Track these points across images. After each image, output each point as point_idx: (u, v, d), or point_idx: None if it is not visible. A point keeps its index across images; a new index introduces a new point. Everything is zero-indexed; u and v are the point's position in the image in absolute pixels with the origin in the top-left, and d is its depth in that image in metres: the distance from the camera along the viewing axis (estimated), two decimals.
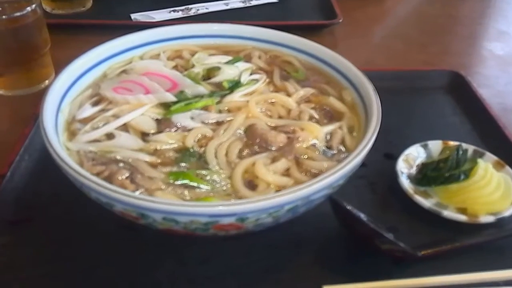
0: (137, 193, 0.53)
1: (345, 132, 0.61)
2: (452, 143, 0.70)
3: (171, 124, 0.60)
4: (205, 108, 0.63)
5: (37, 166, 0.73)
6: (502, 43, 1.22)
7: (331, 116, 0.65)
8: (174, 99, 0.62)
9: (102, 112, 0.62)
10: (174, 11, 1.23)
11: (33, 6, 0.87)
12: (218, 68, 0.70)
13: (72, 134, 0.59)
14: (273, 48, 0.80)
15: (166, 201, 0.48)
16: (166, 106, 0.62)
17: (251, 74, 0.70)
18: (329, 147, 0.59)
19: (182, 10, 1.24)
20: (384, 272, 0.55)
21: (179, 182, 0.53)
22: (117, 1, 1.24)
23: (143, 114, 0.61)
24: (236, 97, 0.66)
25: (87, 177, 0.50)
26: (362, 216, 0.61)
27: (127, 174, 0.53)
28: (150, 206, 0.48)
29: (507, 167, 0.67)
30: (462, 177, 0.64)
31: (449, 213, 0.62)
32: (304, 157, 0.57)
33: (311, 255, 0.57)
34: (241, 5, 1.26)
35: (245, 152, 0.58)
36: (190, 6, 1.24)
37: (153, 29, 0.79)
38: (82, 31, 1.10)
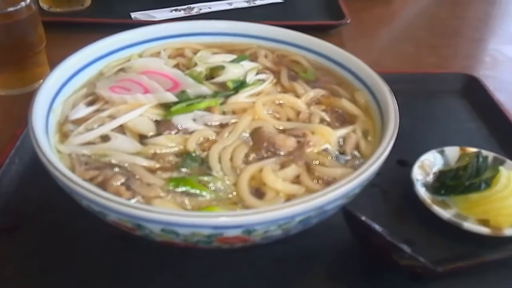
0: (133, 201, 0.48)
1: (359, 137, 0.56)
2: (470, 149, 0.65)
3: (172, 126, 0.56)
4: (208, 109, 0.59)
5: (28, 170, 0.68)
6: None
7: (343, 119, 0.60)
8: (175, 99, 0.59)
9: (97, 112, 0.59)
10: (176, 10, 1.19)
11: (28, 1, 0.83)
12: (222, 67, 0.66)
13: (64, 136, 0.56)
14: (280, 47, 0.75)
15: (165, 211, 0.43)
16: (166, 106, 0.59)
17: (257, 74, 0.66)
18: (342, 153, 0.54)
19: (184, 9, 1.20)
20: None
21: (179, 190, 0.49)
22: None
23: (141, 115, 0.57)
24: (242, 98, 0.62)
25: (77, 182, 0.46)
26: (378, 227, 0.56)
27: (122, 180, 0.48)
28: (147, 216, 0.44)
29: None
30: (483, 186, 0.59)
31: (470, 225, 0.57)
32: (316, 163, 0.53)
33: (322, 270, 0.53)
34: (245, 4, 1.22)
35: (252, 157, 0.54)
36: (192, 6, 1.20)
37: (153, 25, 0.74)
38: (79, 30, 1.05)
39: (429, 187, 0.65)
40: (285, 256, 0.54)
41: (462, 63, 1.08)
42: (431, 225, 0.60)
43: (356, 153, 0.56)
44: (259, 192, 0.50)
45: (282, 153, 0.54)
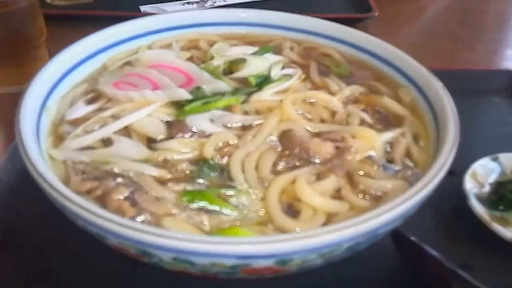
0: (138, 221, 0.39)
1: (409, 141, 0.47)
2: None
3: (185, 127, 0.49)
4: (228, 109, 0.51)
5: (22, 178, 0.59)
6: None
7: (387, 120, 0.52)
8: (189, 96, 0.51)
9: (98, 111, 0.51)
10: (188, 3, 1.11)
11: None
12: (243, 61, 0.58)
13: (59, 139, 0.48)
14: (308, 38, 0.67)
15: (177, 235, 0.34)
16: (179, 105, 0.51)
17: (282, 69, 0.58)
18: (390, 161, 0.47)
19: (197, 2, 1.11)
20: None
21: (195, 205, 0.42)
22: None
23: (150, 114, 0.50)
24: (266, 95, 0.54)
25: (69, 197, 0.37)
26: (434, 252, 0.46)
27: (126, 193, 0.41)
28: (155, 242, 0.35)
29: None
30: None
31: None
32: (360, 173, 0.45)
33: None
34: None
35: (281, 165, 0.47)
36: None
37: (164, 14, 0.65)
38: (84, 24, 0.95)
39: (484, 200, 0.56)
40: (321, 285, 0.45)
41: (503, 59, 0.97)
42: (490, 246, 0.52)
43: (407, 161, 0.46)
44: (292, 209, 0.42)
45: (317, 161, 0.46)
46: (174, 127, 0.49)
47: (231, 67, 0.59)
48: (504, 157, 0.62)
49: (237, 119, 0.50)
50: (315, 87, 0.57)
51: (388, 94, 0.56)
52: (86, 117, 0.50)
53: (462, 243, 0.53)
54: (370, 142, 0.47)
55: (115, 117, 0.49)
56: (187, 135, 0.48)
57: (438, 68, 0.82)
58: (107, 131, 0.48)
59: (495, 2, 1.27)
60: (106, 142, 0.47)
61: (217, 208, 0.41)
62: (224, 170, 0.45)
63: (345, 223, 0.36)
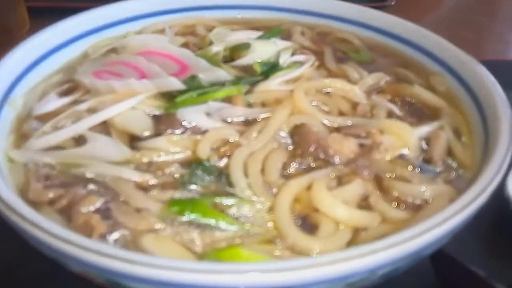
0: (110, 241, 0.30)
1: (450, 137, 0.37)
2: None
3: (176, 122, 0.42)
4: (228, 101, 0.45)
5: None
6: None
7: (420, 112, 0.45)
8: (182, 86, 0.44)
9: (73, 105, 0.44)
10: None
11: None
12: (247, 46, 0.52)
13: (22, 138, 0.41)
14: (321, 22, 0.59)
15: (159, 262, 0.25)
16: (170, 97, 0.44)
17: (292, 55, 0.52)
18: (428, 161, 0.39)
19: None
20: None
21: (184, 218, 0.34)
22: None
23: (134, 108, 0.43)
24: (274, 84, 0.47)
25: (17, 210, 0.28)
26: (479, 270, 0.38)
27: (98, 204, 0.35)
28: (128, 271, 0.26)
29: None
30: None
31: None
32: (391, 175, 0.38)
33: None
34: None
35: (293, 167, 0.39)
36: None
37: None
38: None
39: None
40: None
41: None
42: None
43: (449, 161, 0.37)
44: (307, 222, 0.35)
45: (338, 161, 0.39)
46: (163, 122, 0.42)
47: (233, 54, 0.53)
48: None
49: (239, 112, 0.43)
50: (331, 75, 0.50)
51: (419, 82, 0.49)
52: (58, 112, 0.43)
53: (507, 259, 0.45)
54: (403, 138, 0.40)
55: (92, 110, 0.43)
56: (178, 131, 0.41)
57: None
58: (80, 127, 0.41)
59: None
60: (79, 141, 0.40)
61: (212, 221, 0.34)
62: (222, 174, 0.38)
63: (381, 243, 0.27)
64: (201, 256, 0.32)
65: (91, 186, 0.36)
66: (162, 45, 0.51)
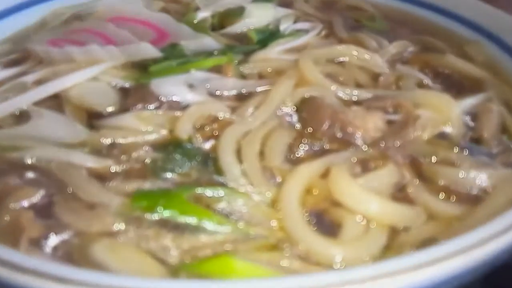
0: (46, 249, 0.23)
1: (503, 111, 0.29)
2: None
3: (149, 96, 0.34)
4: (217, 71, 0.37)
5: None
6: None
7: (458, 85, 0.37)
8: (158, 54, 0.37)
9: (20, 76, 0.36)
10: None
11: None
12: (241, 11, 0.45)
13: None
14: None
15: (112, 281, 0.16)
16: (143, 68, 0.37)
17: (294, 23, 0.45)
18: (476, 140, 0.31)
19: None
20: None
21: (155, 217, 0.25)
22: None
23: (96, 79, 0.35)
24: (273, 53, 0.39)
25: None
26: None
27: (36, 198, 0.26)
28: None
29: None
30: None
31: None
32: (431, 159, 0.29)
33: None
34: None
35: (301, 149, 0.31)
36: None
37: None
38: None
39: None
40: None
41: None
42: None
43: (504, 138, 0.29)
44: (324, 220, 0.26)
45: (361, 141, 0.30)
46: (132, 96, 0.35)
47: (223, 21, 0.45)
48: None
49: (230, 85, 0.36)
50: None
51: (450, 52, 0.41)
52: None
53: None
54: (443, 112, 0.32)
55: (41, 81, 0.35)
56: (151, 107, 0.33)
57: None
58: (22, 101, 0.33)
59: None
60: (20, 118, 0.33)
61: (193, 220, 0.25)
62: (208, 159, 0.30)
63: (437, 250, 0.17)
64: (176, 270, 0.23)
65: (30, 175, 0.28)
66: (136, 10, 0.45)
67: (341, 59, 0.39)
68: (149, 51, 0.37)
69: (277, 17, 0.45)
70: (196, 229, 0.25)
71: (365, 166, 0.29)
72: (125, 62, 0.37)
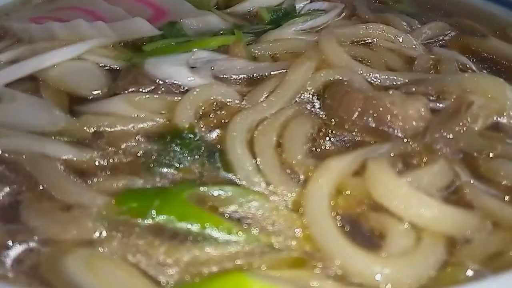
0: (4, 262, 0.17)
1: None
2: None
3: (142, 77, 0.30)
4: (224, 51, 0.33)
5: None
6: None
7: (506, 69, 0.33)
8: (155, 31, 0.33)
9: None
10: None
11: None
12: None
13: None
14: None
15: None
16: (137, 49, 0.33)
17: (311, 2, 0.40)
18: None
19: None
20: None
21: (147, 222, 0.21)
22: None
23: (80, 58, 0.31)
24: (288, 33, 0.35)
25: None
26: None
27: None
28: None
29: None
30: None
31: None
32: (488, 155, 0.25)
33: None
34: None
35: (327, 142, 0.26)
36: None
37: None
38: None
39: None
40: None
41: None
42: None
43: None
44: (362, 228, 0.21)
45: (399, 132, 0.24)
46: (123, 78, 0.30)
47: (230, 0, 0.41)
48: None
49: (239, 67, 0.31)
50: None
51: (493, 35, 0.37)
52: None
53: None
54: (498, 99, 0.27)
55: (16, 60, 0.31)
56: (145, 90, 0.29)
57: None
58: None
59: None
60: None
61: (195, 227, 0.20)
62: (214, 151, 0.26)
63: None
64: None
65: None
66: None
67: (368, 40, 0.34)
68: (144, 28, 0.33)
69: None
70: (199, 238, 0.20)
71: (406, 162, 0.24)
72: (116, 40, 0.33)
